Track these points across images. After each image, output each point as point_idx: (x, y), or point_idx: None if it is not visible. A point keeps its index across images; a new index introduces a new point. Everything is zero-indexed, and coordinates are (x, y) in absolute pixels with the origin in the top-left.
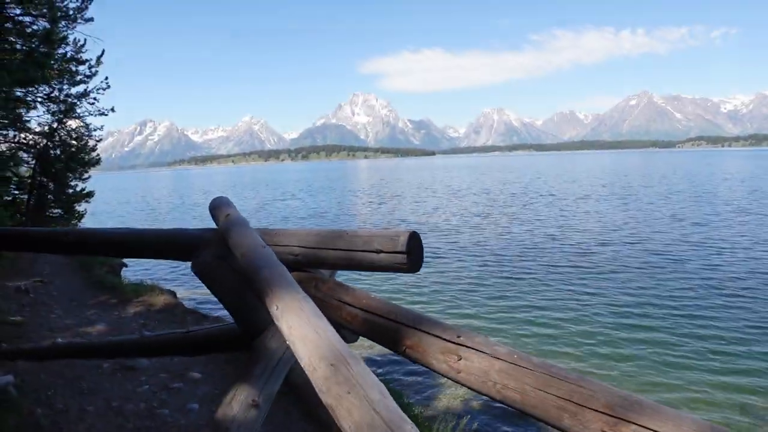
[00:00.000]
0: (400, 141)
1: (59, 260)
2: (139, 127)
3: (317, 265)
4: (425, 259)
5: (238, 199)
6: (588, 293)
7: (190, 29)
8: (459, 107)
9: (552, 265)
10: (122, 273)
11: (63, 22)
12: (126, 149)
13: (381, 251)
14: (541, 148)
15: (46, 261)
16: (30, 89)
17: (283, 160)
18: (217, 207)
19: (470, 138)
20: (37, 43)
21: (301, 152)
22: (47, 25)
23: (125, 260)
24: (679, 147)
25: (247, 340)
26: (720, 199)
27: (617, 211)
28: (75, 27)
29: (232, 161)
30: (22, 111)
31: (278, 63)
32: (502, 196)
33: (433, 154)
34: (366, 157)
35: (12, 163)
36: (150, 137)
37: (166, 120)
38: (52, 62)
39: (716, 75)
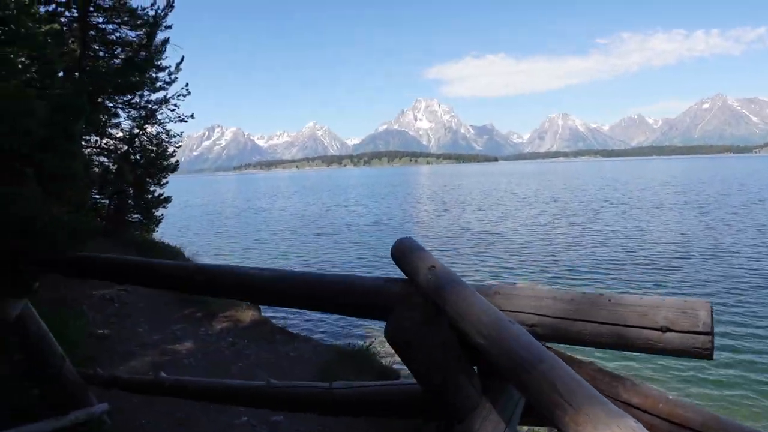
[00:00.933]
0: (463, 147)
1: None
2: (207, 132)
3: (564, 341)
4: (490, 269)
5: (301, 205)
6: None
7: (257, 37)
8: (523, 113)
9: (629, 280)
10: None
11: (143, 30)
12: (194, 153)
13: (668, 329)
14: (608, 153)
15: None
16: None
17: (345, 165)
18: (409, 253)
19: (534, 144)
20: (129, 50)
21: (363, 158)
22: (129, 33)
23: None
24: (756, 152)
25: (436, 415)
26: None
27: (695, 221)
28: (156, 34)
29: (296, 166)
30: (104, 117)
31: (342, 70)
32: (571, 204)
33: (495, 160)
34: (428, 162)
35: (95, 168)
36: (218, 142)
37: (234, 125)
38: (157, 68)
39: None
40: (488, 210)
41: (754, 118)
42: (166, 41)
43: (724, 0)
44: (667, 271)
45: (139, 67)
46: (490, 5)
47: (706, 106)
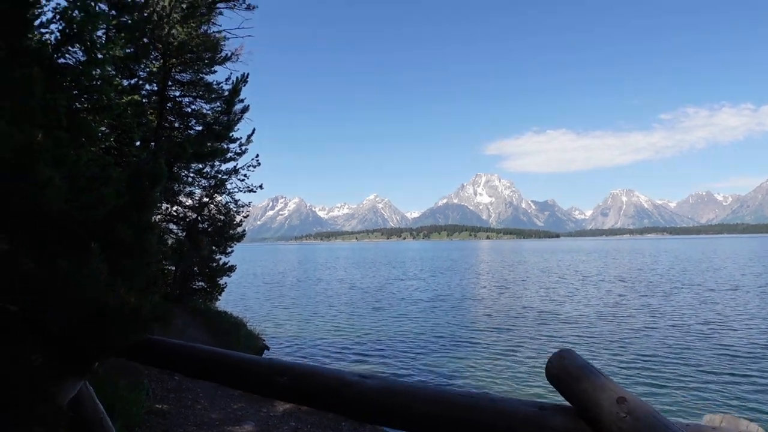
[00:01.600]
0: (523, 222)
1: (207, 333)
2: (271, 202)
3: None
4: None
5: (359, 277)
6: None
7: (320, 111)
8: (585, 188)
9: (713, 372)
10: (265, 354)
11: (218, 103)
12: (258, 223)
13: None
14: (675, 231)
15: (195, 330)
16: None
17: (404, 238)
18: (579, 376)
19: (597, 220)
20: (204, 122)
21: (422, 231)
22: (204, 105)
23: (270, 343)
24: None
25: None
26: None
27: None
28: (235, 105)
29: (356, 238)
30: (177, 185)
31: (403, 144)
32: (639, 284)
33: (557, 236)
34: (488, 237)
35: (165, 236)
36: (281, 212)
37: (297, 196)
38: (229, 139)
39: None
40: (551, 288)
41: None
42: (245, 109)
43: None
44: (751, 361)
45: (218, 135)
46: (551, 82)
47: None
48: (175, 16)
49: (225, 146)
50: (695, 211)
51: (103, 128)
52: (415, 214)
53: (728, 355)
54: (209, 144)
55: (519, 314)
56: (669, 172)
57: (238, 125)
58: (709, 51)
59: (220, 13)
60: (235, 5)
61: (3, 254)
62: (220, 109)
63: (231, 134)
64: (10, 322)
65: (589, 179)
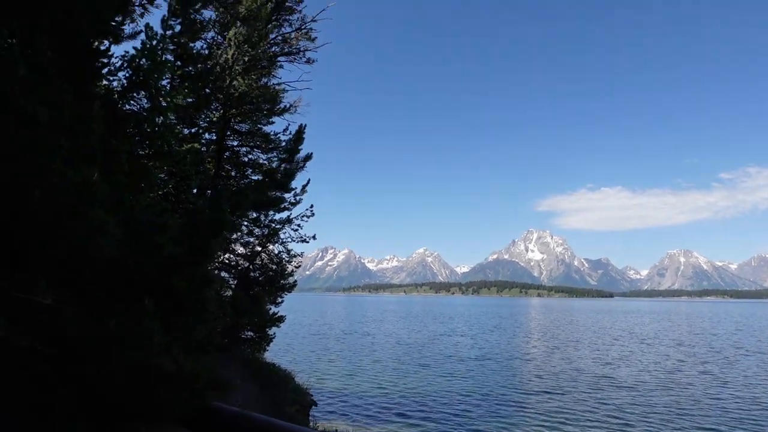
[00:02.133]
0: (576, 280)
1: (256, 385)
2: (320, 253)
3: None
4: (606, 422)
5: (406, 332)
6: None
7: (370, 163)
8: (640, 248)
9: None
10: (311, 413)
11: (274, 153)
12: (307, 272)
13: None
14: (737, 294)
15: (245, 382)
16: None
17: (453, 293)
18: None
19: (653, 281)
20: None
21: (471, 286)
22: (260, 156)
23: (315, 398)
24: None
25: None
26: None
27: None
28: (291, 159)
29: (404, 291)
30: (232, 234)
31: (455, 198)
32: (698, 348)
33: (611, 296)
34: (539, 295)
35: (222, 289)
36: (330, 263)
37: (346, 248)
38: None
39: None
40: (605, 350)
41: None
42: (308, 158)
43: None
44: None
45: (280, 184)
46: (608, 139)
47: None
48: (237, 68)
49: (285, 196)
50: (758, 273)
51: (162, 175)
52: (465, 269)
53: None
54: (270, 193)
55: (571, 377)
56: (729, 233)
57: (299, 173)
58: None
59: (281, 66)
60: (295, 59)
61: (45, 309)
62: (279, 158)
63: (291, 183)
64: (48, 371)
65: (645, 238)
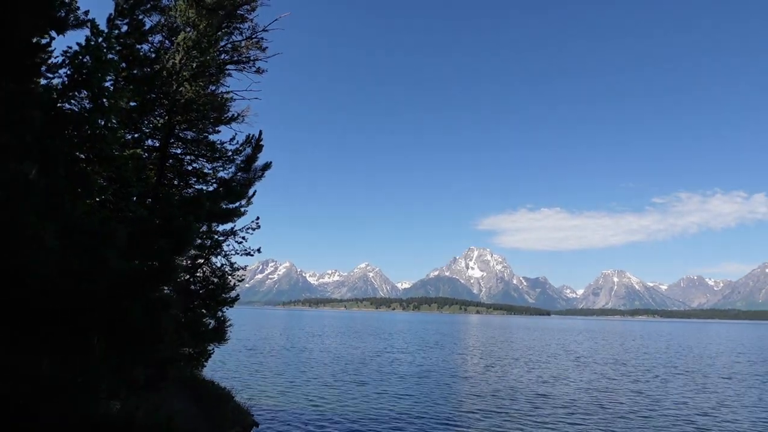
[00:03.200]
0: (514, 298)
1: (194, 405)
2: (261, 266)
3: None
4: None
5: (345, 348)
6: None
7: (314, 176)
8: (577, 268)
9: None
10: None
11: (220, 162)
12: (247, 285)
13: None
14: (666, 314)
15: (181, 402)
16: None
17: (394, 309)
18: None
19: (588, 300)
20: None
21: (412, 302)
22: (205, 165)
23: (256, 418)
24: None
25: None
26: None
27: None
28: (231, 168)
29: (345, 306)
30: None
31: (397, 215)
32: (631, 367)
33: (548, 314)
34: (478, 312)
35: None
36: (270, 276)
37: (287, 261)
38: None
39: None
40: (541, 368)
41: None
42: (267, 166)
43: None
44: None
45: (236, 194)
46: (548, 161)
47: None
48: (184, 74)
49: (241, 207)
50: (686, 294)
51: (101, 180)
52: (406, 285)
53: None
54: (223, 203)
55: (508, 395)
56: (661, 255)
57: (257, 182)
58: (703, 138)
59: (230, 75)
60: (244, 68)
61: None
62: (230, 166)
63: (248, 193)
64: None
65: (582, 258)
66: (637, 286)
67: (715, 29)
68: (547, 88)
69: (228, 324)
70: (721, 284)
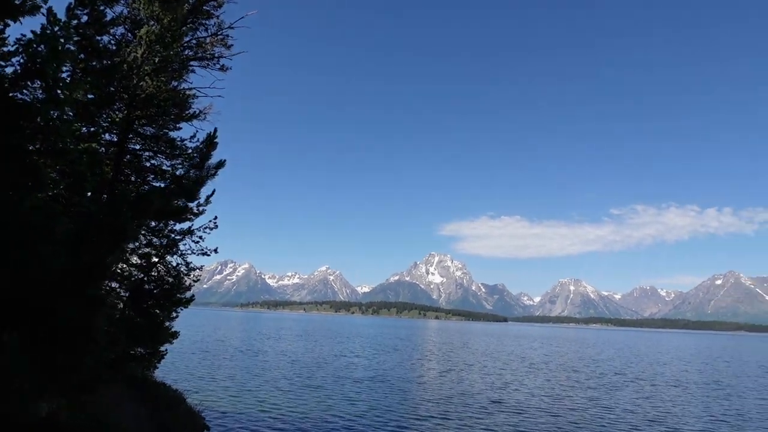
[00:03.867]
0: (473, 304)
1: (144, 407)
2: (219, 267)
3: None
4: None
5: (302, 351)
6: None
7: (276, 177)
8: (535, 275)
9: None
10: None
11: (179, 160)
12: (204, 286)
13: None
14: (619, 323)
15: (132, 404)
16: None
17: (353, 312)
18: None
19: (545, 307)
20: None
21: (372, 307)
22: (164, 162)
23: (208, 421)
24: None
25: None
26: None
27: (716, 404)
28: (202, 166)
29: (304, 309)
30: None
31: (359, 219)
32: (583, 375)
33: (505, 320)
34: (437, 317)
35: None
36: (229, 277)
37: (246, 262)
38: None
39: None
40: (496, 374)
41: None
42: (221, 165)
43: (735, 181)
44: None
45: (187, 191)
46: (508, 169)
47: (719, 282)
48: (146, 68)
49: (190, 205)
50: (639, 304)
51: (54, 174)
52: (366, 289)
53: None
54: (175, 201)
55: (461, 401)
56: (616, 266)
57: (209, 180)
58: (660, 153)
59: (193, 71)
60: (208, 65)
61: None
62: (189, 163)
63: (200, 191)
64: None
65: (540, 267)
66: (592, 295)
67: (674, 40)
68: (510, 96)
69: (168, 325)
70: (673, 295)
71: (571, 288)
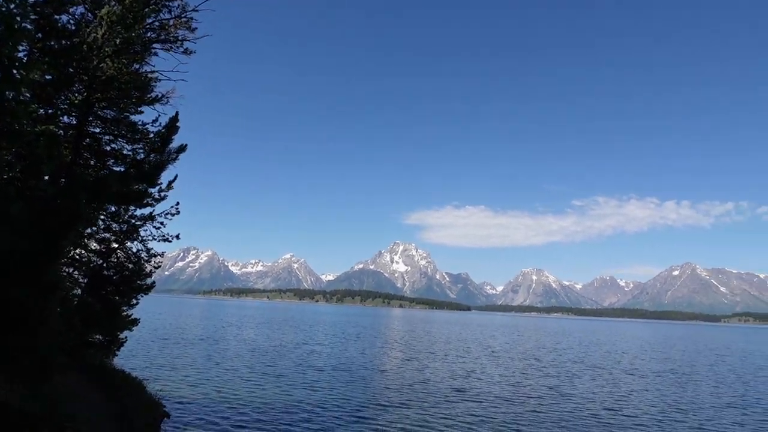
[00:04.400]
0: (437, 293)
1: (103, 396)
2: (182, 253)
3: None
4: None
5: (264, 339)
6: None
7: (239, 163)
8: (498, 265)
9: None
10: (164, 426)
11: (140, 144)
12: (166, 273)
13: None
14: (580, 312)
15: (90, 392)
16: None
17: (317, 300)
18: None
19: (507, 296)
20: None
21: (336, 295)
22: (125, 146)
23: (168, 409)
24: (724, 321)
25: None
26: None
27: (670, 391)
28: (162, 150)
29: (267, 297)
30: (84, 228)
31: (324, 206)
32: (542, 362)
33: (468, 309)
34: (401, 305)
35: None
36: (191, 264)
37: (209, 249)
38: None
39: (763, 250)
40: (457, 362)
41: (722, 288)
42: (182, 149)
43: (694, 175)
44: None
45: (147, 175)
46: (475, 160)
47: (676, 273)
48: (106, 49)
49: (151, 190)
50: (599, 294)
51: (9, 156)
52: (330, 277)
53: None
54: (135, 185)
55: (422, 389)
56: (577, 256)
57: (170, 165)
58: (622, 146)
59: (155, 54)
60: (172, 47)
61: None
62: (149, 147)
63: (161, 176)
64: None
65: (503, 256)
66: (553, 285)
67: (644, 39)
68: (474, 88)
69: (127, 312)
70: (631, 285)
71: (534, 278)
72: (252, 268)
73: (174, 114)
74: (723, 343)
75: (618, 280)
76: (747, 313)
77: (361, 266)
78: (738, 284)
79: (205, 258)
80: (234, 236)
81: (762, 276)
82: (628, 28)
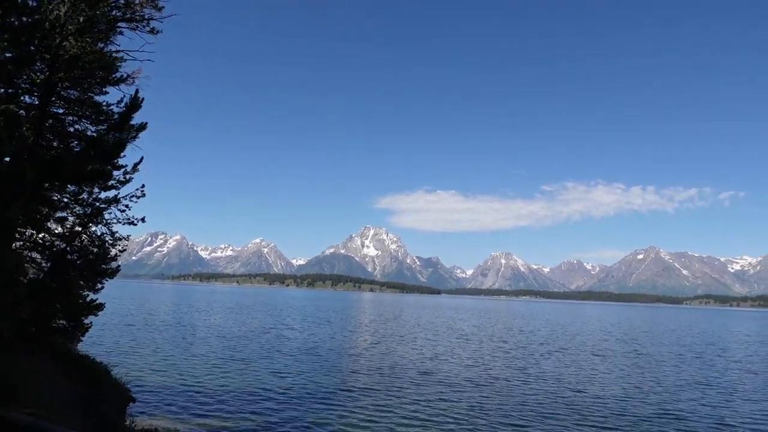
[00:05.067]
0: (407, 277)
1: (68, 381)
2: (150, 238)
3: None
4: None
5: (233, 324)
6: None
7: (210, 146)
8: (468, 249)
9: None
10: (129, 410)
11: (105, 125)
12: (133, 258)
13: None
14: (548, 295)
15: (55, 377)
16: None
17: (288, 285)
18: None
19: (477, 280)
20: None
21: (306, 279)
22: (89, 127)
23: (134, 394)
24: (686, 304)
25: None
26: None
27: (634, 371)
28: (122, 128)
29: (237, 281)
30: (45, 209)
31: (294, 190)
32: (510, 345)
33: (438, 293)
34: (372, 289)
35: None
36: (159, 249)
37: (178, 234)
38: (114, 165)
39: (723, 235)
40: (427, 345)
41: (684, 272)
42: (142, 127)
43: (659, 161)
44: (605, 418)
45: (107, 153)
46: (447, 145)
47: (640, 256)
48: (69, 27)
49: (114, 172)
50: (566, 277)
51: None
52: (301, 261)
53: (590, 415)
54: (95, 164)
55: (391, 372)
56: (545, 240)
57: (131, 144)
58: (590, 132)
59: (121, 33)
60: (137, 27)
61: None
62: (108, 125)
63: (121, 155)
64: None
65: (473, 240)
66: (522, 268)
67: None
68: (446, 76)
69: (92, 297)
70: (598, 268)
71: (503, 261)
72: (222, 252)
73: (135, 91)
74: (684, 324)
75: (585, 264)
76: (708, 295)
77: (332, 250)
78: (699, 267)
79: (174, 242)
80: (203, 221)
81: (722, 260)
82: (586, 18)
